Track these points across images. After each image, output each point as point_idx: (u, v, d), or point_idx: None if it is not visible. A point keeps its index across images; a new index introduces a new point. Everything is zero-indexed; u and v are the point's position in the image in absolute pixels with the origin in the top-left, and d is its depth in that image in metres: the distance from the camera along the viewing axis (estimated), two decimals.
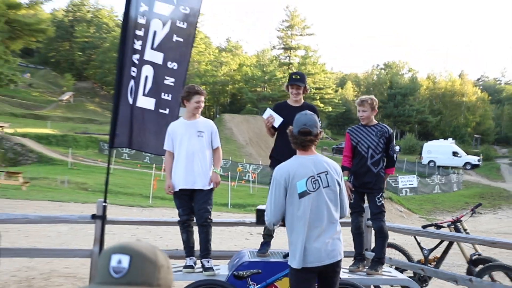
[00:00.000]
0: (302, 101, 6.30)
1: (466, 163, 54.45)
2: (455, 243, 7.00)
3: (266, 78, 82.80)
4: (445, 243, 7.20)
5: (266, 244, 6.06)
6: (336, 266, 4.30)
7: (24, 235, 11.42)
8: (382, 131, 6.30)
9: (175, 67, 6.97)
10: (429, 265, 7.15)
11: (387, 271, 6.22)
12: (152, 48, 6.82)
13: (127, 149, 46.49)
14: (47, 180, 28.74)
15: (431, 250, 7.33)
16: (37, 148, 42.43)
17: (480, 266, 6.75)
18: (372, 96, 6.51)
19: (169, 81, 6.92)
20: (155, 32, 6.83)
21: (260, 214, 5.31)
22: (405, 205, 32.03)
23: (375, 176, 6.12)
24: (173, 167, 5.99)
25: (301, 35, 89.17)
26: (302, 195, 4.26)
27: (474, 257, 6.89)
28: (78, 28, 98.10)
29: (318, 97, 79.60)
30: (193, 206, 5.95)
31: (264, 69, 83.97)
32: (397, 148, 55.56)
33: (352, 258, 6.39)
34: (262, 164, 41.45)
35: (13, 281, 7.66)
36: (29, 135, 46.47)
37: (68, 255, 7.20)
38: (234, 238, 13.98)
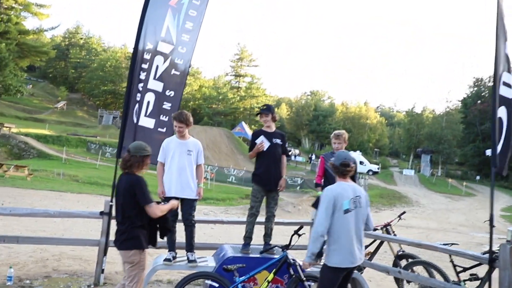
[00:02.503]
0: (274, 128, 6.12)
1: (369, 170, 55.52)
2: (385, 242, 6.98)
3: (220, 97, 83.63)
4: (377, 242, 7.18)
5: (248, 244, 5.86)
6: (357, 267, 4.54)
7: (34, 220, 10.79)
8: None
9: (172, 95, 6.77)
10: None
11: None
12: (154, 78, 6.57)
13: (110, 148, 45.85)
14: (46, 172, 27.51)
15: (366, 246, 7.26)
16: (37, 146, 40.94)
17: (404, 261, 6.76)
18: (344, 131, 6.41)
19: (166, 105, 6.71)
20: (157, 66, 6.63)
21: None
22: None
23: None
24: (165, 177, 5.73)
25: (248, 66, 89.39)
26: (346, 211, 4.29)
27: (399, 253, 6.88)
28: (72, 51, 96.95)
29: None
30: (178, 211, 5.69)
31: (219, 90, 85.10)
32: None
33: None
34: (217, 165, 41.12)
35: (31, 261, 7.20)
36: (31, 134, 44.71)
37: (80, 244, 6.78)
38: (202, 227, 13.66)
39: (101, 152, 41.11)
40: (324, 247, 4.37)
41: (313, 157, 59.47)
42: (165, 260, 5.51)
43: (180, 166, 5.64)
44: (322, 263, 5.87)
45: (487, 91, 76.87)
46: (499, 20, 5.32)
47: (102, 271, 6.30)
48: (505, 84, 5.37)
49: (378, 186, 48.04)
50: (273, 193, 5.92)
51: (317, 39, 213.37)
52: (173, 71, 6.72)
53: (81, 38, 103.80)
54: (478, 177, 62.99)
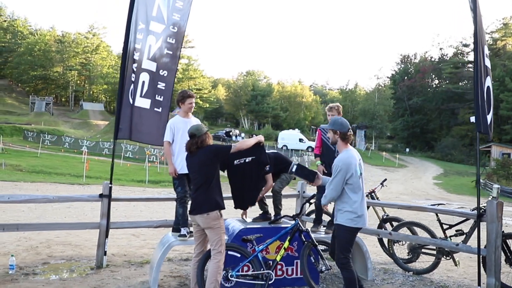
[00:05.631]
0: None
1: (308, 147, 56.61)
2: (370, 207, 7.38)
3: None
4: None
5: (264, 213, 6.06)
6: None
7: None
8: None
9: (166, 74, 6.68)
10: None
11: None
12: (148, 58, 6.48)
13: (49, 135, 43.84)
14: None
15: None
16: None
17: (389, 224, 7.20)
18: (337, 103, 6.65)
19: (161, 85, 6.62)
20: (150, 46, 6.51)
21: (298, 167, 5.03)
22: None
23: None
24: (177, 156, 5.75)
25: (184, 47, 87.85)
26: (361, 175, 4.61)
27: (384, 217, 7.31)
28: None
29: (198, 96, 79.07)
30: (187, 189, 5.77)
31: None
32: None
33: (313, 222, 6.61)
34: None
35: (21, 250, 6.96)
36: None
37: (80, 228, 6.65)
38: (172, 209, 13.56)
39: (41, 140, 39.21)
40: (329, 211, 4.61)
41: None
42: (181, 235, 5.55)
43: None
44: (326, 231, 6.23)
45: (413, 68, 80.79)
46: None
47: (105, 253, 6.24)
48: (487, 56, 5.86)
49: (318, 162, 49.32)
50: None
51: (250, 18, 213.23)
52: (165, 51, 6.64)
53: (5, 21, 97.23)
54: (407, 150, 66.64)
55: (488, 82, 5.77)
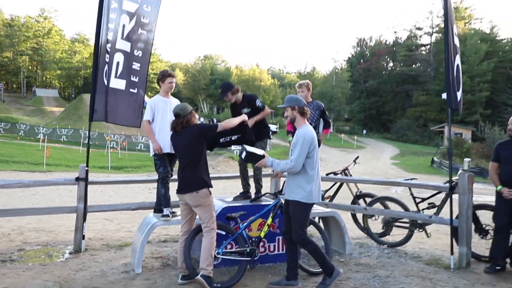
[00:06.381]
0: (241, 96, 6.10)
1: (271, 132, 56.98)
2: (344, 183, 7.57)
3: None
4: (337, 185, 7.74)
5: (245, 192, 6.07)
6: None
7: None
8: (317, 105, 6.60)
9: (140, 55, 6.53)
10: (325, 201, 7.63)
11: (314, 207, 6.52)
12: (122, 38, 6.32)
13: (2, 123, 42.05)
14: None
15: (326, 190, 7.78)
16: None
17: (362, 200, 7.40)
18: (308, 81, 6.73)
19: (136, 66, 6.48)
20: (124, 25, 6.34)
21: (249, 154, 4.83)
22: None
23: None
24: (158, 135, 5.72)
25: None
26: (316, 151, 4.62)
27: (358, 193, 7.50)
28: None
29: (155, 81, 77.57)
30: (169, 169, 5.78)
31: None
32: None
33: None
34: (124, 134, 39.73)
35: None
36: None
37: (57, 212, 6.48)
38: (140, 193, 13.42)
39: None
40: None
41: (215, 120, 59.53)
42: (164, 216, 5.51)
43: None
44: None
45: (368, 51, 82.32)
46: None
47: (83, 237, 6.12)
48: (455, 34, 6.06)
49: (279, 144, 49.94)
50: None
51: (207, 1, 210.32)
52: (139, 30, 6.47)
53: None
54: (364, 131, 68.18)
55: (458, 60, 5.98)
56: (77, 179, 6.08)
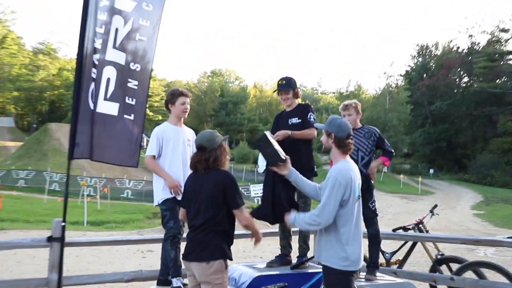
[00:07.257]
0: (296, 103, 6.30)
1: None
2: (419, 243, 7.42)
3: None
4: (408, 245, 7.59)
5: (283, 255, 6.01)
6: None
7: None
8: (370, 133, 6.53)
9: (138, 69, 6.60)
10: (392, 267, 7.48)
11: (380, 275, 6.40)
12: (114, 47, 6.39)
13: None
14: None
15: (394, 252, 7.66)
16: None
17: (445, 266, 7.23)
18: (355, 100, 6.73)
19: (132, 83, 6.53)
20: (116, 30, 6.43)
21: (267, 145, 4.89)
22: None
23: (365, 178, 6.26)
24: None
25: None
26: (357, 198, 4.42)
27: (439, 257, 7.33)
28: None
29: (147, 106, 78.70)
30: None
31: None
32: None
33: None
34: (105, 177, 40.02)
35: None
36: None
37: (23, 286, 6.41)
38: (130, 258, 13.35)
39: None
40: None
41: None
42: None
43: (184, 159, 5.83)
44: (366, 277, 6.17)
45: (434, 63, 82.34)
46: None
47: None
48: None
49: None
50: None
51: (215, 3, 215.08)
52: (137, 36, 6.56)
53: None
54: (431, 171, 67.49)
55: None
56: (50, 239, 6.04)
